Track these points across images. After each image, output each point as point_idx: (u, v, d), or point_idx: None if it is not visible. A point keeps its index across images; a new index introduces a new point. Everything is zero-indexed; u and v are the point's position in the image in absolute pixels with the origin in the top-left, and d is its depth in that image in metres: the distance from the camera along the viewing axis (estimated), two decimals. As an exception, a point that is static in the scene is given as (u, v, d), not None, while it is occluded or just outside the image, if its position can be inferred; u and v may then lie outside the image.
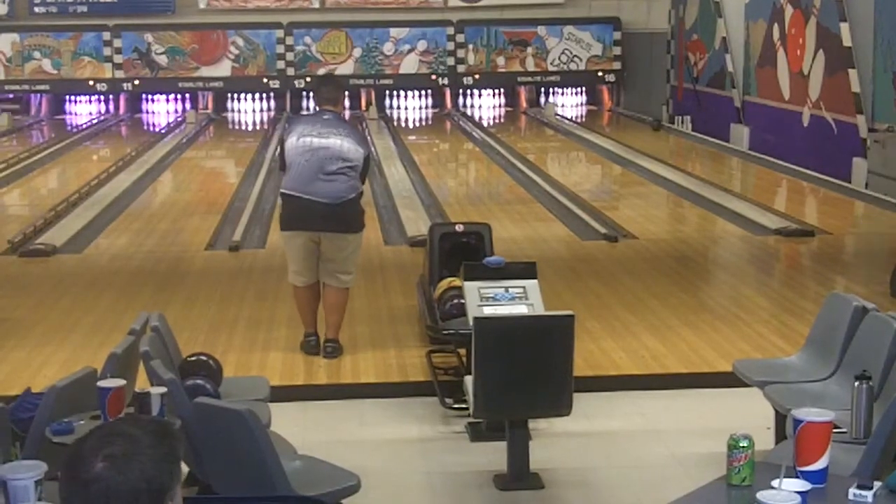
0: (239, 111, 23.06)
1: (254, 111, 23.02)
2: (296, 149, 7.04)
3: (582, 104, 23.48)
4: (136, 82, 22.68)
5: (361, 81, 22.75)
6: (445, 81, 22.98)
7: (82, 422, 4.45)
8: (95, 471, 2.20)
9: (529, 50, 23.04)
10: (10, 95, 22.44)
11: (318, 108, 7.33)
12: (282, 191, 7.25)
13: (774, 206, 12.70)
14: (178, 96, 23.11)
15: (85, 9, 22.56)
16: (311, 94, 7.04)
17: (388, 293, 8.81)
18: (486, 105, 23.37)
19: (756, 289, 9.05)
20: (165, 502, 2.26)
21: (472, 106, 23.19)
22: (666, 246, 10.50)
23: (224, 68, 22.75)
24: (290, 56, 22.68)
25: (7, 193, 14.26)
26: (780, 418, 5.18)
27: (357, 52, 22.80)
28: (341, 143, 7.01)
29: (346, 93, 6.14)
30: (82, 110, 23.12)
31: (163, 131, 20.69)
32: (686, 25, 21.31)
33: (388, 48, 22.87)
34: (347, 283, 7.24)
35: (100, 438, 2.25)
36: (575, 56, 23.01)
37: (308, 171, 6.98)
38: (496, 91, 23.44)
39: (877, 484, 3.53)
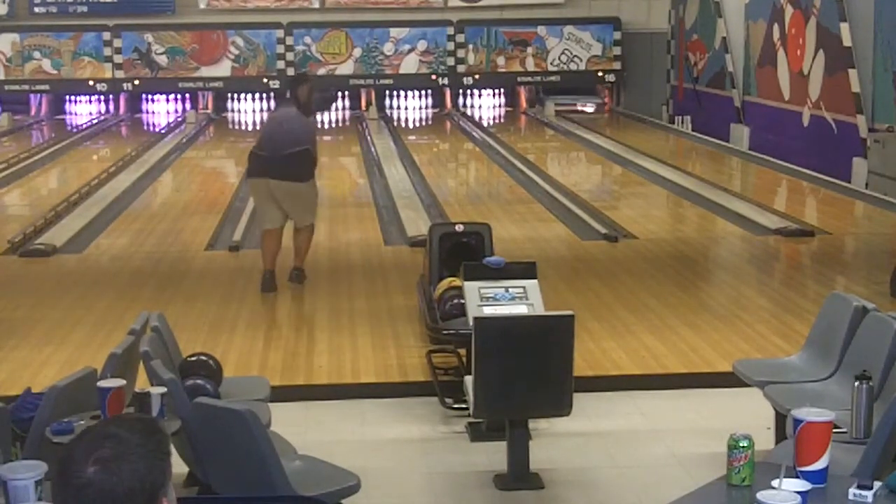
0: (239, 111, 23.07)
1: (254, 111, 23.02)
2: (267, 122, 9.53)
3: (500, 105, 23.47)
4: (136, 82, 22.68)
5: (361, 81, 22.75)
6: (445, 81, 22.97)
7: (82, 422, 4.44)
8: (87, 475, 2.19)
9: (529, 50, 23.03)
10: None
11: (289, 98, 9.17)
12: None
13: (774, 206, 12.70)
14: (178, 96, 23.12)
15: (85, 9, 22.57)
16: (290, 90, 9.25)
17: (388, 293, 8.81)
18: (486, 105, 23.37)
19: (756, 289, 9.06)
20: (160, 499, 2.25)
21: (472, 106, 23.19)
22: (666, 246, 10.50)
23: (224, 68, 22.75)
24: (290, 56, 22.68)
25: (7, 193, 14.26)
26: (780, 418, 5.18)
27: (357, 52, 22.81)
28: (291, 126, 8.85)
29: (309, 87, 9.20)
30: (82, 110, 23.12)
31: (163, 131, 20.69)
32: (686, 25, 21.31)
33: (388, 48, 22.86)
34: (309, 222, 8.93)
35: (89, 442, 2.23)
36: (575, 56, 23.01)
37: (268, 138, 8.96)
38: (496, 91, 23.44)
39: (877, 484, 3.53)
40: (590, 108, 23.52)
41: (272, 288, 8.75)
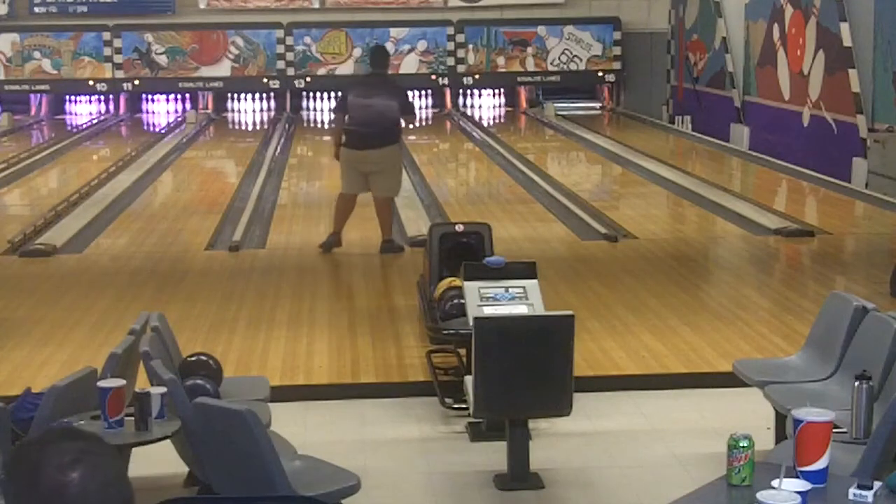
0: (239, 111, 23.05)
1: (254, 111, 23.01)
2: (353, 103, 10.12)
3: (500, 105, 23.47)
4: (136, 82, 22.66)
5: (361, 81, 22.70)
6: (445, 81, 22.96)
7: (82, 422, 4.45)
8: (69, 478, 2.17)
9: (529, 50, 23.02)
10: None
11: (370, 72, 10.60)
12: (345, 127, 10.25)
13: (774, 206, 12.70)
14: (178, 96, 23.10)
15: (85, 9, 22.56)
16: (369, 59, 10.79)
17: (388, 293, 8.81)
18: (486, 105, 23.36)
19: (756, 289, 9.05)
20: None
21: (472, 106, 23.18)
22: (666, 246, 10.50)
23: (224, 68, 22.73)
24: (290, 56, 22.68)
25: (7, 193, 14.26)
26: (780, 418, 5.19)
27: (357, 52, 22.79)
28: (381, 101, 9.99)
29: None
30: (82, 110, 23.10)
31: (163, 131, 20.68)
32: (686, 25, 21.31)
33: (388, 48, 22.81)
34: (388, 193, 10.21)
35: (55, 447, 2.22)
36: (575, 56, 23.00)
37: (358, 117, 10.05)
38: (496, 91, 23.43)
39: (877, 484, 3.53)
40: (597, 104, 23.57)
41: (328, 247, 10.12)
